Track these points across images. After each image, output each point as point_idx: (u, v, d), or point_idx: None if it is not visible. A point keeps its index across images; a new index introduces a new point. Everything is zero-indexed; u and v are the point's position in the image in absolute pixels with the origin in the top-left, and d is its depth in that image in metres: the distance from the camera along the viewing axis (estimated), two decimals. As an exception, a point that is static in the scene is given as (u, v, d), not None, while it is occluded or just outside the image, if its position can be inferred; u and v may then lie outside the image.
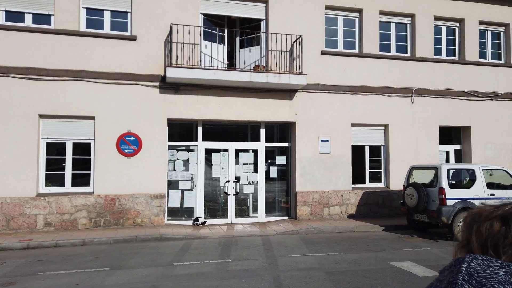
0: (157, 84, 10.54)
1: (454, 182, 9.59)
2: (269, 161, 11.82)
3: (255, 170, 11.57)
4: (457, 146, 13.47)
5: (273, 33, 11.03)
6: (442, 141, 13.05)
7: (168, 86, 10.59)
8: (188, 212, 11.08)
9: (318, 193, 11.60)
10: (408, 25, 12.85)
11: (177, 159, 11.05)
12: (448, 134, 13.35)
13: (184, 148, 11.10)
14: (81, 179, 10.28)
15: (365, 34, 12.21)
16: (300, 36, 11.10)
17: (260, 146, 11.63)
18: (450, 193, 9.19)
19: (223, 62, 11.38)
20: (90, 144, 10.28)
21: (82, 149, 10.30)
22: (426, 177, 11.43)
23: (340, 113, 11.89)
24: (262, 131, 11.67)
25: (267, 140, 11.75)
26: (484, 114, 13.23)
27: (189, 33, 10.31)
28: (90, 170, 10.25)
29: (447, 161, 13.36)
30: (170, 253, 7.85)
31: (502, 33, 13.83)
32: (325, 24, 11.98)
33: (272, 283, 5.94)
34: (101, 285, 5.86)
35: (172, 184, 10.93)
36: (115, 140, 10.22)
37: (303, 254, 7.78)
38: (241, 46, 11.99)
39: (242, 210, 11.50)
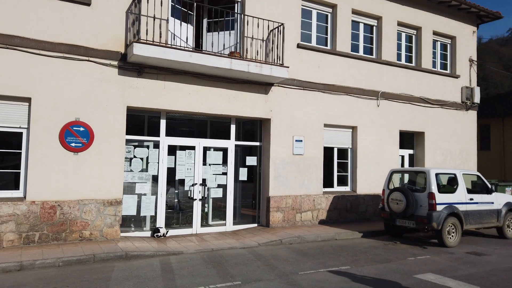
0: (115, 63, 8.48)
1: (439, 187, 9.43)
2: (237, 162, 10.47)
3: (223, 172, 10.14)
4: (411, 151, 13.75)
5: (252, 16, 9.76)
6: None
7: (130, 66, 8.61)
8: (139, 221, 9.17)
9: (291, 197, 10.62)
10: (375, 27, 12.69)
11: (134, 156, 9.06)
12: (402, 139, 13.53)
13: (138, 144, 9.15)
14: (6, 180, 7.73)
15: (338, 31, 11.66)
16: (282, 24, 10.02)
17: (230, 144, 10.23)
18: (439, 198, 8.99)
19: (187, 44, 9.73)
20: (21, 134, 7.80)
21: (9, 141, 7.76)
22: (401, 181, 11.29)
23: (314, 112, 11.11)
24: (233, 128, 10.29)
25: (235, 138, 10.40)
26: (435, 121, 13.72)
27: (161, 5, 8.48)
28: (20, 169, 7.76)
29: (402, 165, 13.53)
30: (154, 277, 6.09)
31: (449, 45, 14.59)
32: (301, 16, 11.14)
33: (322, 313, 4.75)
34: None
35: (128, 188, 8.92)
36: (58, 130, 7.90)
37: (315, 270, 6.69)
38: (209, 30, 10.48)
39: (203, 217, 9.95)
